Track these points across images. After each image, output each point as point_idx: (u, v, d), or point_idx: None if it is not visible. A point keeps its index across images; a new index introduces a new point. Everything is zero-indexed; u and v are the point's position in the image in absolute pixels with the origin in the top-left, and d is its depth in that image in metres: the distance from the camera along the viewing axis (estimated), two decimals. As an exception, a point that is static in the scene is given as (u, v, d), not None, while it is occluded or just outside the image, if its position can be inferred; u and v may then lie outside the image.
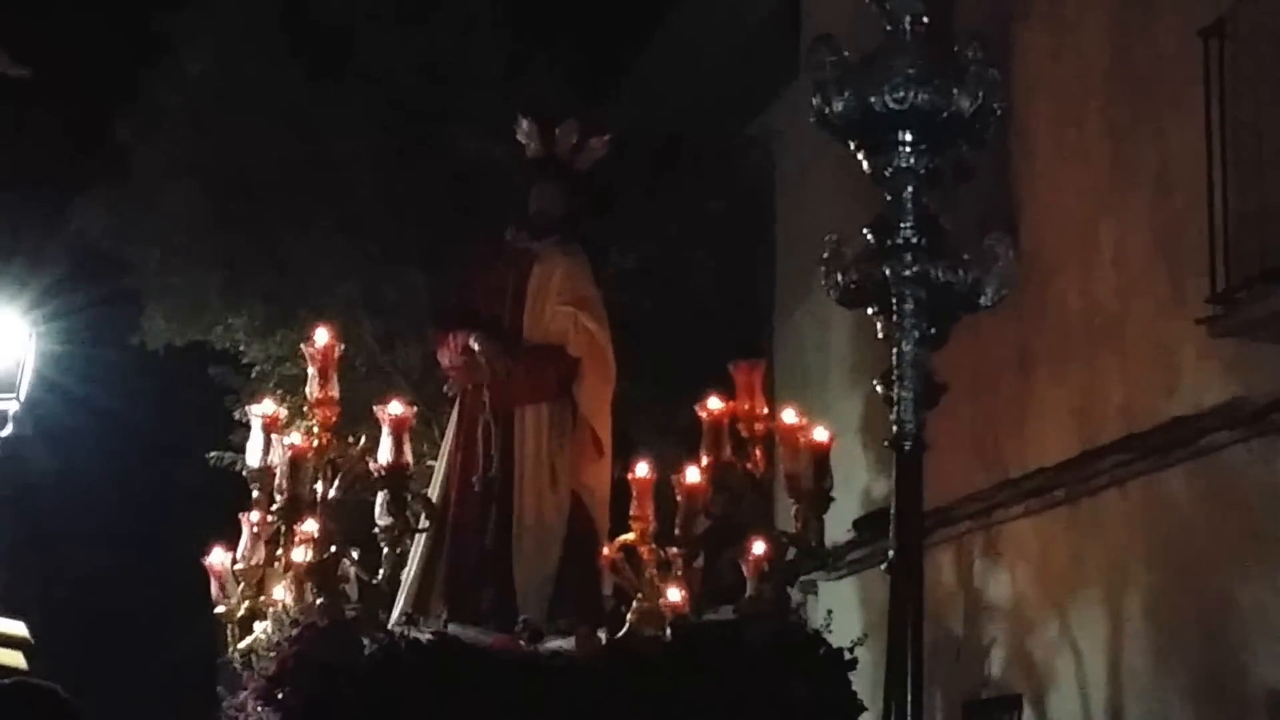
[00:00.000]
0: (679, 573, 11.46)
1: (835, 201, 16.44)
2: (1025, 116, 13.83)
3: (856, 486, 15.08)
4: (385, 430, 11.32)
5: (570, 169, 12.31)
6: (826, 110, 3.63)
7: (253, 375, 16.78)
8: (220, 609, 12.11)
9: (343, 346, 12.10)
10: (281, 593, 11.52)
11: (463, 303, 12.47)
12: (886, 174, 3.67)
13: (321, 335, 11.94)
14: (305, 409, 11.98)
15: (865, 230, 3.81)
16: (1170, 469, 12.95)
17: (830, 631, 11.67)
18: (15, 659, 17.34)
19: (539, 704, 10.86)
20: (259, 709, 11.18)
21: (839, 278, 3.86)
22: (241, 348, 16.49)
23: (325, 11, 17.20)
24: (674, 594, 11.30)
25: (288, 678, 10.98)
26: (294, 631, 11.11)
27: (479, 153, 15.10)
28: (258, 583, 11.90)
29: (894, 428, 4.02)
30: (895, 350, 3.95)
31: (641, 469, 11.81)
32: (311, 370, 11.85)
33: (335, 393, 11.75)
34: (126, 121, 17.27)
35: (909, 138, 3.55)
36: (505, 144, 13.26)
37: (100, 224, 17.52)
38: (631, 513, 11.72)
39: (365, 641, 10.97)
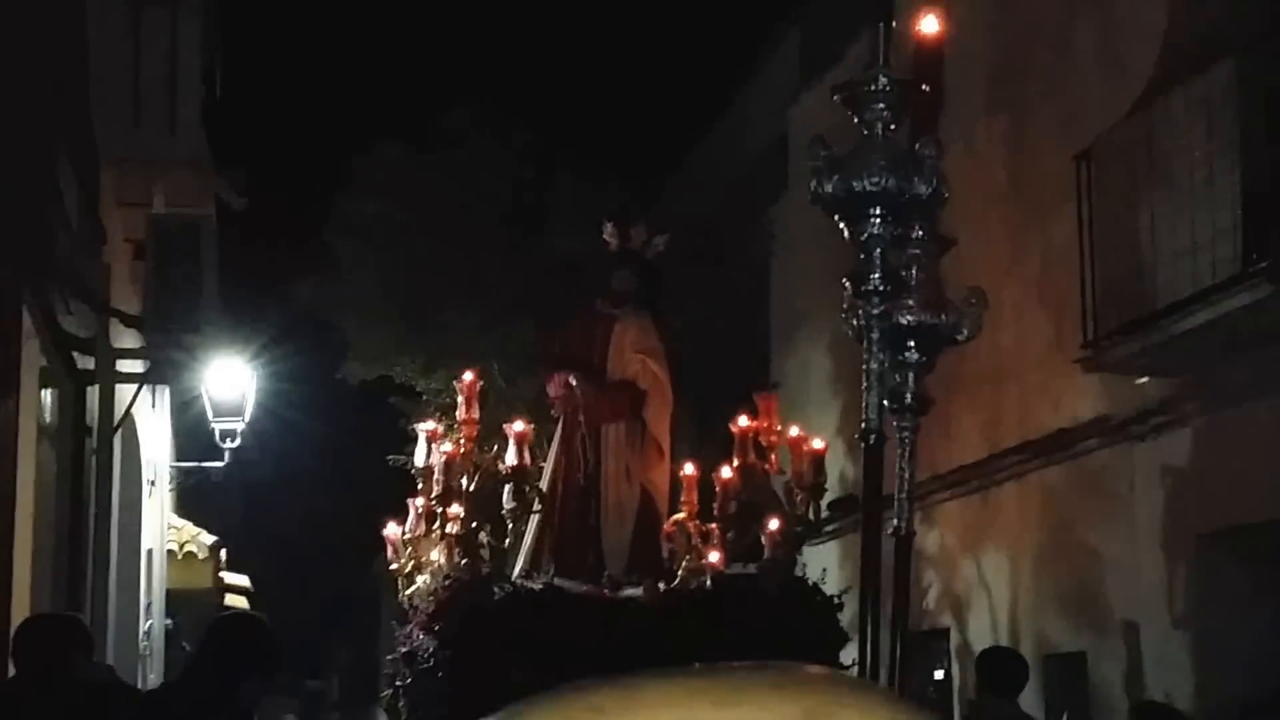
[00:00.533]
0: (716, 541, 11.40)
1: (811, 288, 16.58)
2: (947, 217, 13.79)
3: (830, 479, 15.08)
4: (511, 441, 11.28)
5: (642, 258, 12.27)
6: (820, 190, 3.56)
7: (421, 401, 16.65)
8: (393, 566, 12.14)
9: (481, 383, 12.13)
10: (436, 555, 11.51)
11: (565, 352, 12.43)
12: (861, 239, 3.58)
13: (468, 375, 12.02)
14: (455, 426, 11.94)
15: (844, 280, 3.75)
16: (1053, 466, 13.06)
17: (825, 584, 11.59)
18: (241, 602, 17.38)
19: (618, 634, 10.70)
20: (421, 636, 11.19)
21: (855, 322, 3.83)
22: (412, 382, 16.44)
23: (455, 157, 17.18)
24: (713, 556, 11.24)
25: (442, 614, 10.99)
26: (445, 582, 11.14)
27: (569, 248, 15.05)
28: (419, 548, 11.86)
29: (862, 424, 3.81)
30: (865, 368, 3.76)
31: (689, 468, 11.81)
32: (460, 398, 11.93)
33: (476, 414, 11.78)
34: (334, 231, 17.28)
35: (879, 212, 3.49)
36: (587, 241, 13.23)
37: (310, 296, 17.67)
38: (682, 499, 11.71)
39: (495, 590, 10.95)
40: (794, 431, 12.15)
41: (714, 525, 11.51)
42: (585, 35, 27.74)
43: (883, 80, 3.35)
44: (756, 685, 1.91)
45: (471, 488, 11.39)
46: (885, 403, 3.85)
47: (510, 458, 11.24)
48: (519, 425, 11.40)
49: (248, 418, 14.42)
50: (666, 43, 26.87)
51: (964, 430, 14.18)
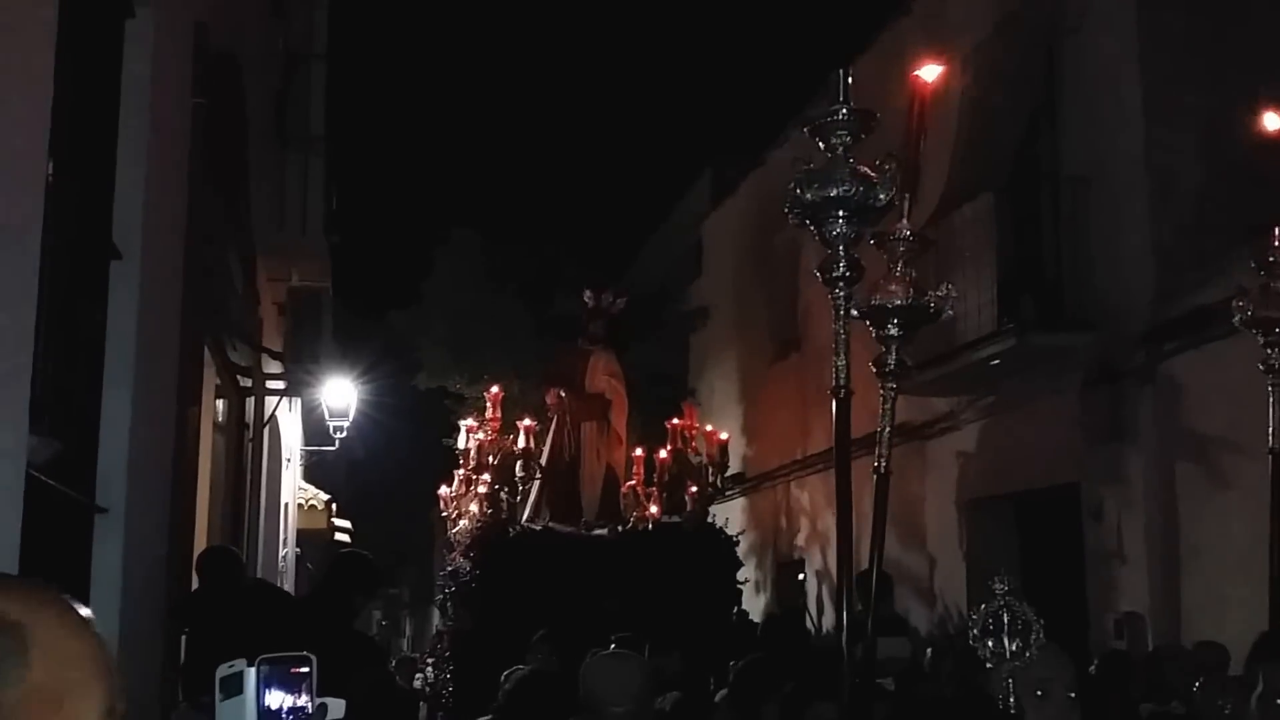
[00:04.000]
0: (655, 499, 11.33)
1: (716, 337, 16.56)
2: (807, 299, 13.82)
3: (734, 460, 15.00)
4: (522, 432, 11.24)
5: (609, 313, 12.12)
6: (799, 196, 2.86)
7: (464, 403, 16.25)
8: (444, 513, 11.91)
9: (502, 394, 12.00)
10: (472, 506, 11.34)
11: (559, 372, 12.24)
12: (830, 235, 2.93)
13: (494, 388, 11.99)
14: (485, 422, 11.78)
15: (815, 270, 3.14)
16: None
17: (726, 528, 11.51)
18: (344, 538, 17.27)
19: (591, 559, 10.66)
20: (461, 560, 11.05)
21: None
22: (460, 390, 16.18)
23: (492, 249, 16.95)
24: (653, 509, 11.19)
25: (475, 546, 10.87)
26: (478, 524, 11.00)
27: (563, 307, 14.89)
28: (461, 502, 11.70)
29: (834, 382, 3.03)
30: (836, 337, 3.01)
31: (638, 451, 11.74)
32: (489, 402, 11.84)
33: (499, 415, 11.68)
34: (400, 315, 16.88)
35: (844, 214, 2.90)
36: (574, 304, 13.14)
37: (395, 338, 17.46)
38: (634, 471, 11.65)
39: (510, 530, 10.85)
40: (708, 428, 12.10)
41: (654, 489, 11.44)
42: (580, 179, 28.72)
43: (843, 112, 2.86)
44: None
45: (495, 463, 11.32)
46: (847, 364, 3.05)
47: (520, 443, 11.20)
48: (527, 421, 11.36)
49: (351, 417, 14.32)
50: (631, 180, 27.98)
51: (821, 429, 14.17)
